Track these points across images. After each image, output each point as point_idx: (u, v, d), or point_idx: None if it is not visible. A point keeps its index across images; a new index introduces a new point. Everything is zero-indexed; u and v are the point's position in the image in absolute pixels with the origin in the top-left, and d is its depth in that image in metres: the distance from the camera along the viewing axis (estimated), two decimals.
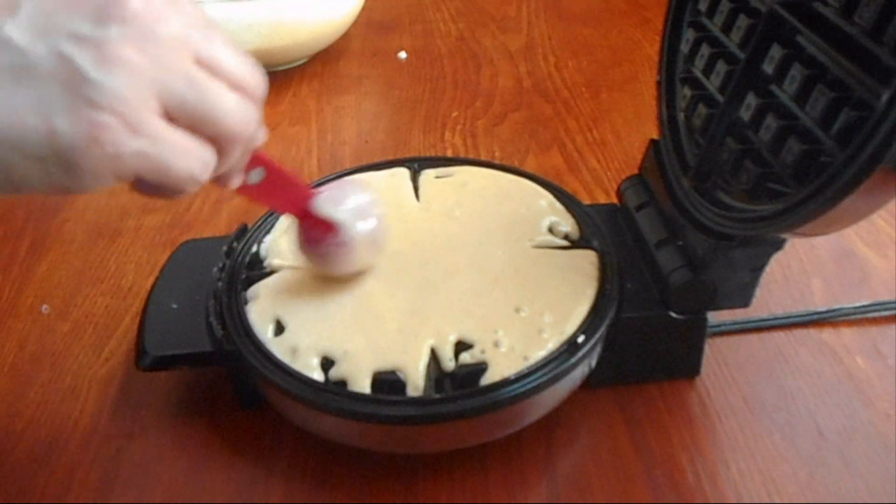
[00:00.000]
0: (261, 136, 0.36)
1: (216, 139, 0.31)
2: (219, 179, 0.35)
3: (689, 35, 0.46)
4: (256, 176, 0.38)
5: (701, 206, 0.42)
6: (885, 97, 0.30)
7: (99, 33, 0.28)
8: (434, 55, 0.85)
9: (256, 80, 0.33)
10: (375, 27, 0.91)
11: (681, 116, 0.46)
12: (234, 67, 0.32)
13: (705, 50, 0.43)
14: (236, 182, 0.37)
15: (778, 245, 0.40)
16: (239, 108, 0.32)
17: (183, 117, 0.30)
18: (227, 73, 0.31)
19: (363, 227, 0.42)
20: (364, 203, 0.43)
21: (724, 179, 0.42)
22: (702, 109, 0.43)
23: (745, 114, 0.39)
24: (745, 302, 0.43)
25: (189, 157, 0.30)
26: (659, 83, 0.48)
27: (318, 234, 0.42)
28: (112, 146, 0.28)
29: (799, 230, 0.35)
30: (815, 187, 0.33)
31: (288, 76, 0.81)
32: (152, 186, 0.31)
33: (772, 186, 0.38)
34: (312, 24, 0.77)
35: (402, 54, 0.85)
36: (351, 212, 0.42)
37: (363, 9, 0.84)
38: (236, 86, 0.32)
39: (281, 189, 0.40)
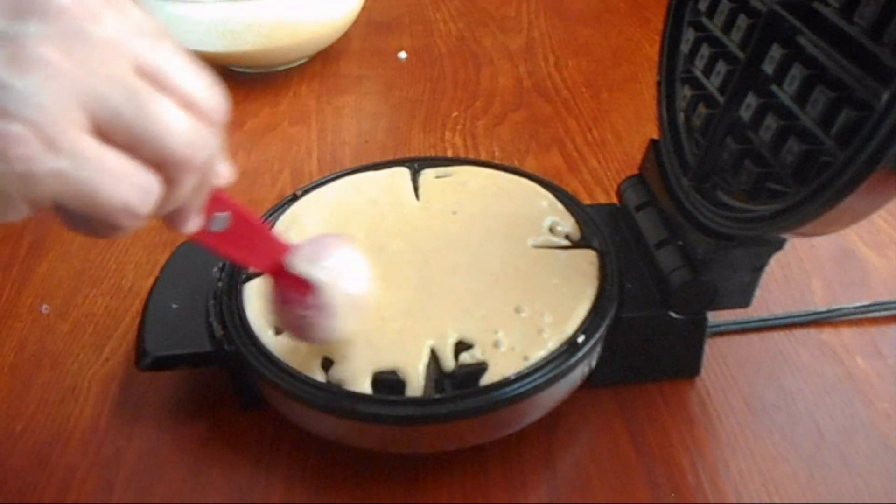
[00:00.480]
0: (225, 174, 0.31)
1: (160, 164, 0.26)
2: (170, 219, 0.30)
3: (689, 35, 0.46)
4: (220, 223, 0.33)
5: (701, 206, 0.42)
6: (885, 97, 0.30)
7: (14, 29, 0.23)
8: (434, 55, 0.85)
9: (213, 99, 0.28)
10: (375, 27, 0.91)
11: (681, 116, 0.46)
12: (185, 81, 0.27)
13: (705, 50, 0.43)
14: (192, 225, 0.31)
15: (778, 245, 0.40)
16: (188, 128, 0.26)
17: (118, 135, 0.25)
18: (176, 86, 0.26)
19: (345, 287, 0.37)
20: (346, 260, 0.38)
21: (724, 179, 0.42)
22: (702, 109, 0.43)
23: (745, 114, 0.39)
24: (745, 302, 0.43)
25: (123, 183, 0.25)
26: (659, 83, 0.48)
27: (293, 295, 0.37)
28: (23, 163, 0.23)
29: (799, 230, 0.35)
30: (815, 187, 0.33)
31: (288, 76, 0.81)
32: (79, 218, 0.26)
33: (772, 186, 0.38)
34: (312, 24, 0.77)
35: (402, 54, 0.85)
36: (331, 270, 0.37)
37: (363, 9, 0.84)
38: (187, 103, 0.27)
39: (250, 240, 0.35)
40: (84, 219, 0.26)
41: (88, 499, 0.41)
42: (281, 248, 0.37)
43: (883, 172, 0.30)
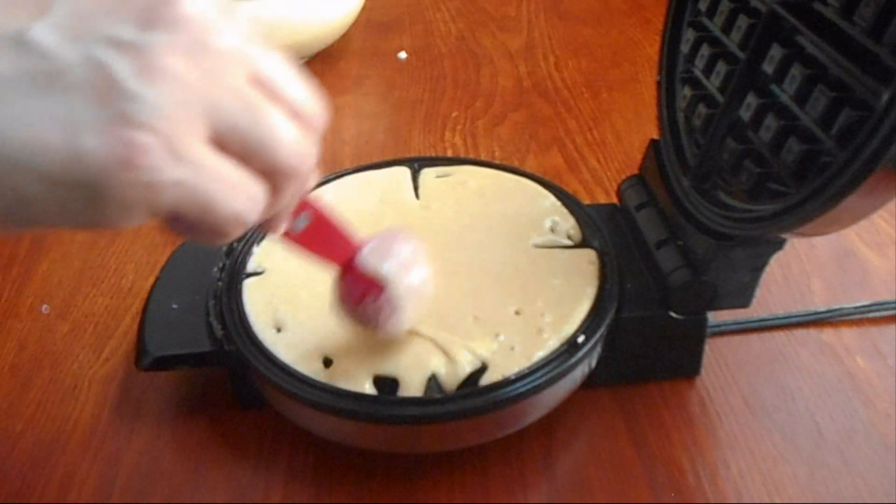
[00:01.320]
0: (314, 178, 0.31)
1: (269, 174, 0.27)
2: (265, 224, 0.31)
3: (689, 35, 0.46)
4: (302, 222, 0.34)
5: (701, 206, 0.42)
6: (885, 97, 0.30)
7: (143, 39, 0.23)
8: (434, 55, 0.85)
9: (318, 108, 0.29)
10: (375, 27, 0.91)
11: (681, 116, 0.46)
12: (294, 92, 0.27)
13: (705, 50, 0.43)
14: (282, 227, 0.32)
15: (778, 245, 0.40)
16: (297, 139, 0.27)
17: (234, 145, 0.25)
18: (286, 97, 0.27)
19: (410, 282, 0.38)
20: (411, 254, 0.39)
21: (724, 179, 0.42)
22: (702, 109, 0.43)
23: (745, 114, 0.39)
24: (745, 302, 0.43)
25: (237, 193, 0.26)
26: (659, 83, 0.48)
27: (360, 291, 0.37)
28: (148, 172, 0.23)
29: (799, 230, 0.35)
30: (815, 187, 0.33)
31: None
32: (190, 225, 0.26)
33: (772, 187, 0.38)
34: (313, 24, 0.77)
35: (402, 54, 0.85)
36: (398, 266, 0.38)
37: (363, 9, 0.84)
38: (294, 112, 0.27)
39: (327, 238, 0.36)
40: (194, 226, 0.26)
41: (88, 499, 0.41)
42: (353, 245, 0.38)
43: (883, 172, 0.30)
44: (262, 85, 0.26)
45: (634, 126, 0.71)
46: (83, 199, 0.24)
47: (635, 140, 0.68)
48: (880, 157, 0.30)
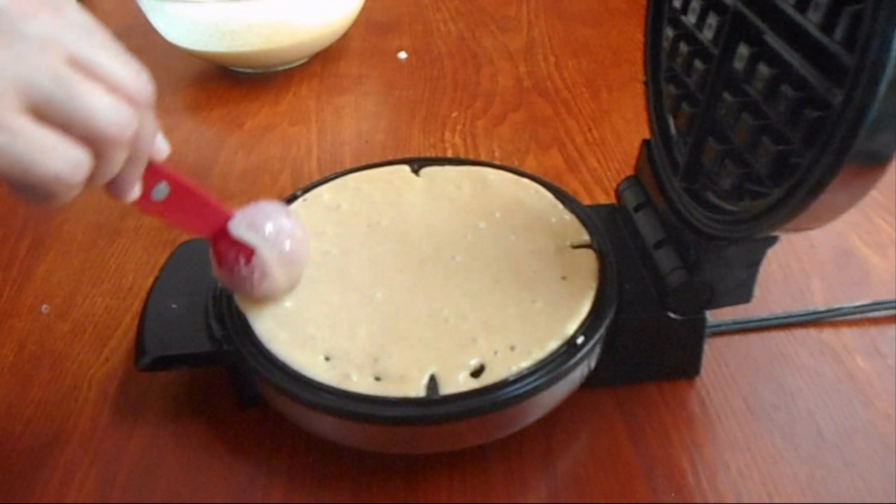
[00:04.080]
0: (162, 148, 0.36)
1: (91, 141, 0.30)
2: (112, 188, 0.34)
3: (668, 32, 0.45)
4: (161, 192, 0.37)
5: (691, 207, 0.41)
6: (839, 96, 0.30)
7: None
8: (434, 55, 0.85)
9: (140, 83, 0.32)
10: (375, 27, 0.91)
11: (669, 116, 0.46)
12: (112, 69, 0.31)
13: (684, 47, 0.42)
14: (132, 194, 0.35)
15: (771, 241, 0.39)
16: (113, 109, 0.30)
17: (52, 116, 0.29)
18: (104, 74, 0.30)
19: (282, 248, 0.41)
20: (281, 223, 0.42)
21: (711, 180, 0.41)
22: (685, 108, 0.43)
23: (723, 113, 0.39)
24: (746, 297, 0.42)
25: (54, 156, 0.29)
26: (645, 83, 0.47)
27: (232, 256, 0.40)
28: None
29: (784, 228, 0.35)
30: (788, 188, 0.32)
31: (288, 76, 0.81)
32: (21, 187, 0.30)
33: (752, 187, 0.37)
34: (312, 24, 0.77)
35: (402, 54, 0.85)
36: (268, 232, 0.41)
37: (363, 9, 0.84)
38: (113, 87, 0.31)
39: (192, 207, 0.39)
40: (25, 188, 0.30)
41: (88, 499, 0.41)
42: (222, 215, 0.41)
43: (851, 169, 0.30)
44: (80, 65, 0.30)
45: (634, 126, 0.71)
46: None
47: (635, 140, 0.68)
48: (843, 156, 0.29)
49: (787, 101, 0.33)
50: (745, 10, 0.36)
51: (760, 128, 0.36)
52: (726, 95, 0.38)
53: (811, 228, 0.35)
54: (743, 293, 0.42)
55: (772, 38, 0.35)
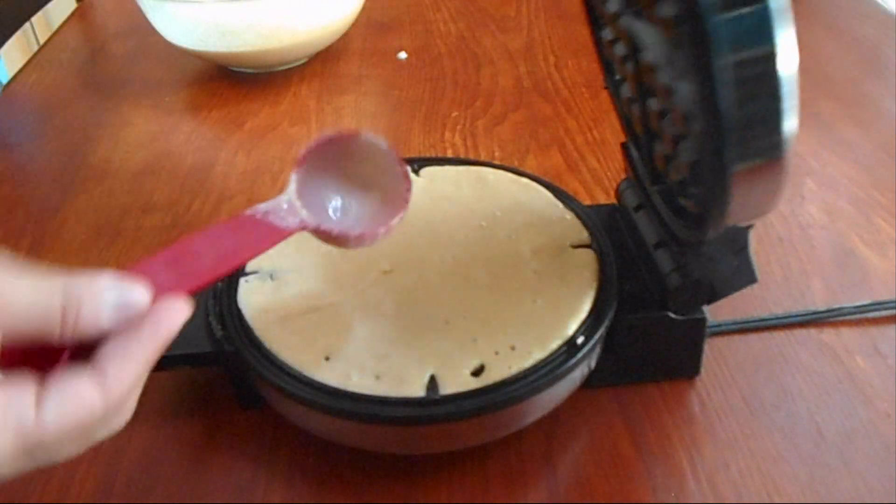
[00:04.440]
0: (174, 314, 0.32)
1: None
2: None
3: (607, 34, 0.44)
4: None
5: (661, 208, 0.41)
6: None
7: None
8: (434, 55, 0.85)
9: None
10: (375, 27, 0.91)
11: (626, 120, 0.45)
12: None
13: (619, 50, 0.42)
14: (181, 319, 0.32)
15: (748, 225, 0.39)
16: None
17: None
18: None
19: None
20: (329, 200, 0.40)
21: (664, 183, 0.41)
22: (635, 112, 0.42)
23: (653, 121, 0.38)
24: (751, 279, 0.41)
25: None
26: (606, 87, 0.47)
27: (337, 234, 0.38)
28: None
29: (723, 227, 0.34)
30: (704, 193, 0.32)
31: (288, 76, 0.81)
32: None
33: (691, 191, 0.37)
34: (312, 24, 0.77)
35: (402, 54, 0.85)
36: (331, 213, 0.39)
37: (363, 9, 0.84)
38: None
39: (227, 244, 0.36)
40: None
41: (88, 499, 0.41)
42: (272, 230, 0.38)
43: (742, 175, 0.29)
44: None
45: None
46: None
47: None
48: (729, 164, 0.29)
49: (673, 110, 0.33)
50: (624, 22, 0.36)
51: (679, 135, 0.35)
52: (650, 101, 0.38)
53: (753, 220, 0.34)
54: (745, 276, 0.41)
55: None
